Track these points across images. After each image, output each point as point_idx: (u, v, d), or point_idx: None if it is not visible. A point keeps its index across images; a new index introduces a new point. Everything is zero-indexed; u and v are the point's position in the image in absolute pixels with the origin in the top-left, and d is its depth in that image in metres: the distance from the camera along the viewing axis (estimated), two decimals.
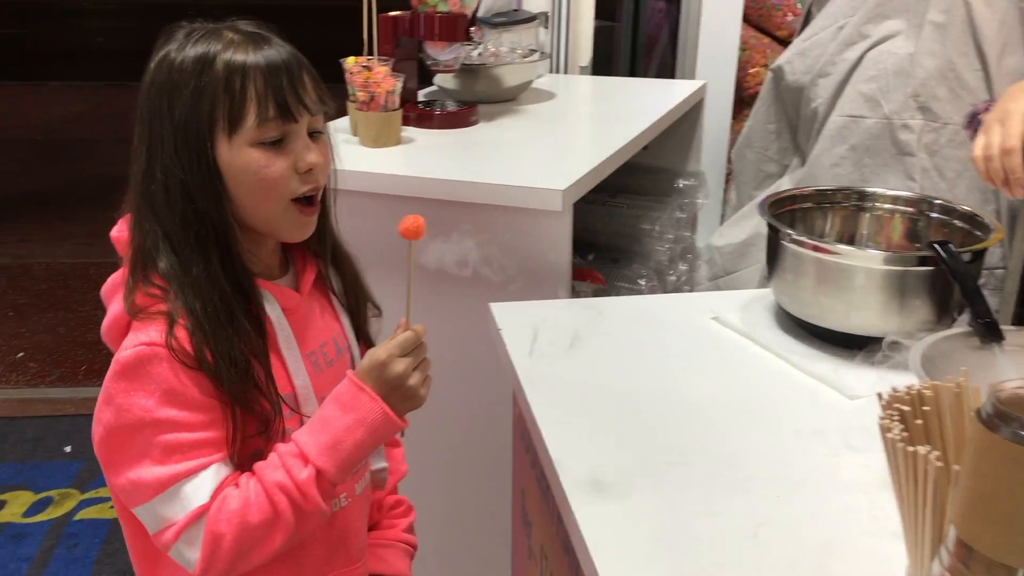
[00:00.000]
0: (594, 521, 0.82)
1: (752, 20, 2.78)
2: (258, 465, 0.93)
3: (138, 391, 0.89)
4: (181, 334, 0.90)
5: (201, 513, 0.89)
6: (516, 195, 1.40)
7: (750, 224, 2.33)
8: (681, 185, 2.15)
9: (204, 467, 0.90)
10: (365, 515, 1.13)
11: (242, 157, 0.93)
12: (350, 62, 1.65)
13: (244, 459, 0.94)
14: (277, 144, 0.94)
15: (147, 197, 0.94)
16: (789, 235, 1.11)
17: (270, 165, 0.93)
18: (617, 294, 1.77)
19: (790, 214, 1.23)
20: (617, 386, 1.05)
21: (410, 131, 1.72)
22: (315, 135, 0.97)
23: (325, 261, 1.07)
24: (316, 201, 0.99)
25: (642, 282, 1.80)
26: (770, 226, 1.15)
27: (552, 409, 1.00)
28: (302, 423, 0.97)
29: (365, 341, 1.12)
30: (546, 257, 1.41)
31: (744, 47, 2.67)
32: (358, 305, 1.11)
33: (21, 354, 3.19)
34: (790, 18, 2.72)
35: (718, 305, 1.24)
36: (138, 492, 0.90)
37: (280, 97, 0.92)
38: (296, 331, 1.00)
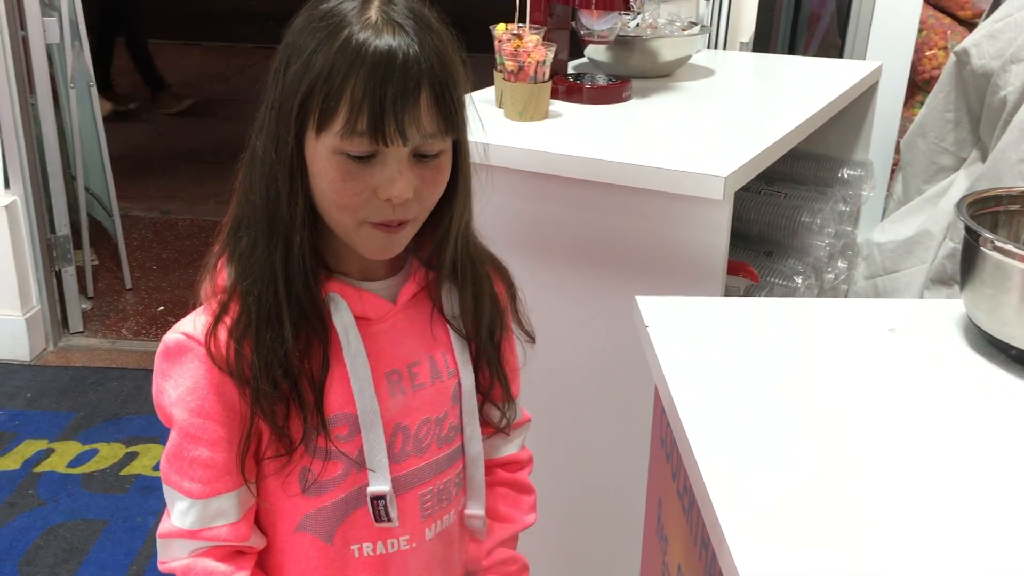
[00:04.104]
0: (750, 553, 0.71)
1: None
2: None
3: (170, 378, 0.87)
4: (225, 328, 0.85)
5: (174, 536, 0.89)
6: (672, 180, 1.29)
7: (916, 220, 2.15)
8: (846, 175, 1.98)
9: (189, 494, 0.88)
10: (441, 564, 1.02)
11: (321, 161, 0.81)
12: (500, 29, 1.57)
13: (272, 474, 0.90)
14: (364, 160, 0.81)
15: (247, 165, 0.86)
16: (992, 241, 0.96)
17: (346, 183, 0.81)
18: (771, 291, 1.64)
19: (992, 216, 1.07)
20: (779, 402, 0.93)
21: (558, 105, 1.63)
22: (427, 157, 0.83)
23: (439, 274, 0.94)
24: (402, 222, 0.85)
25: (798, 279, 1.66)
26: (968, 229, 1.01)
27: (704, 421, 0.89)
28: (361, 448, 0.89)
29: (494, 371, 0.99)
30: (700, 249, 1.30)
31: (921, 27, 2.47)
32: (476, 330, 0.96)
33: (161, 308, 3.28)
34: None
35: (895, 315, 1.10)
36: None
37: (376, 114, 0.78)
38: (377, 345, 0.90)
